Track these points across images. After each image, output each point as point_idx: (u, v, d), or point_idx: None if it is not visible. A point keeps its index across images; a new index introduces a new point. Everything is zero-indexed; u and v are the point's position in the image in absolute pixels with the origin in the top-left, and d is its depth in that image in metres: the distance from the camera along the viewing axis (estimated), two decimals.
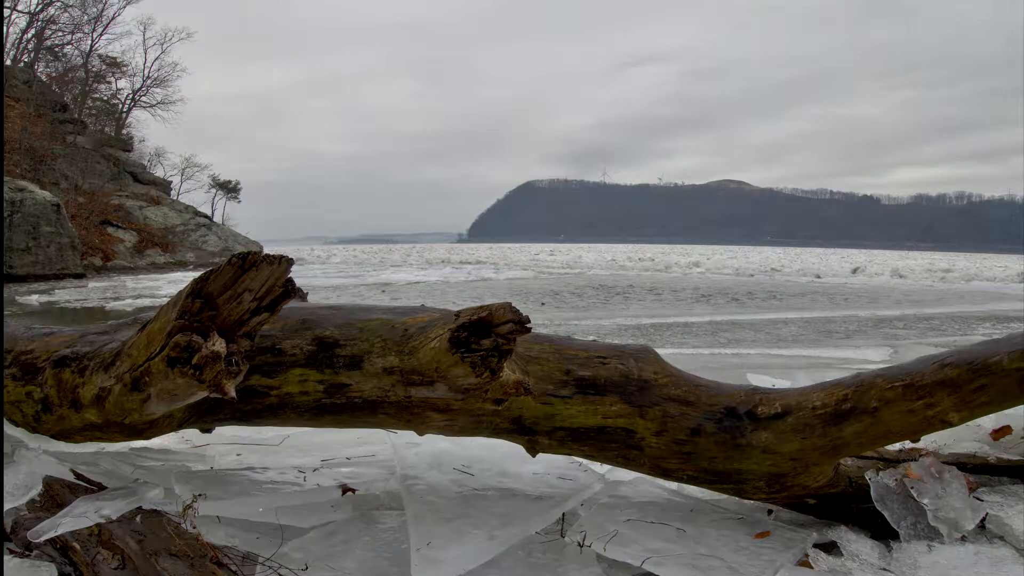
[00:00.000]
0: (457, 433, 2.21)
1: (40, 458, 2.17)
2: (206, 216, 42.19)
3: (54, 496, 2.05)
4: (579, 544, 2.06)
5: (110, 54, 42.75)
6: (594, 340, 2.41)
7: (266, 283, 1.53)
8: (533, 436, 2.16)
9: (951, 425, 1.99)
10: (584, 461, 2.52)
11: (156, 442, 2.68)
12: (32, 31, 39.07)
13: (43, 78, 39.73)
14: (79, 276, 26.57)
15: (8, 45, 37.00)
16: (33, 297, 18.07)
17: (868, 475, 2.12)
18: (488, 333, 1.72)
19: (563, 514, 2.23)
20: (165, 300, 1.69)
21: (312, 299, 2.60)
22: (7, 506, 1.95)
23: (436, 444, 2.61)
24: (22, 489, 2.02)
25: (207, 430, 2.32)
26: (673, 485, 2.42)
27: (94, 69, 42.34)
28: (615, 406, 2.11)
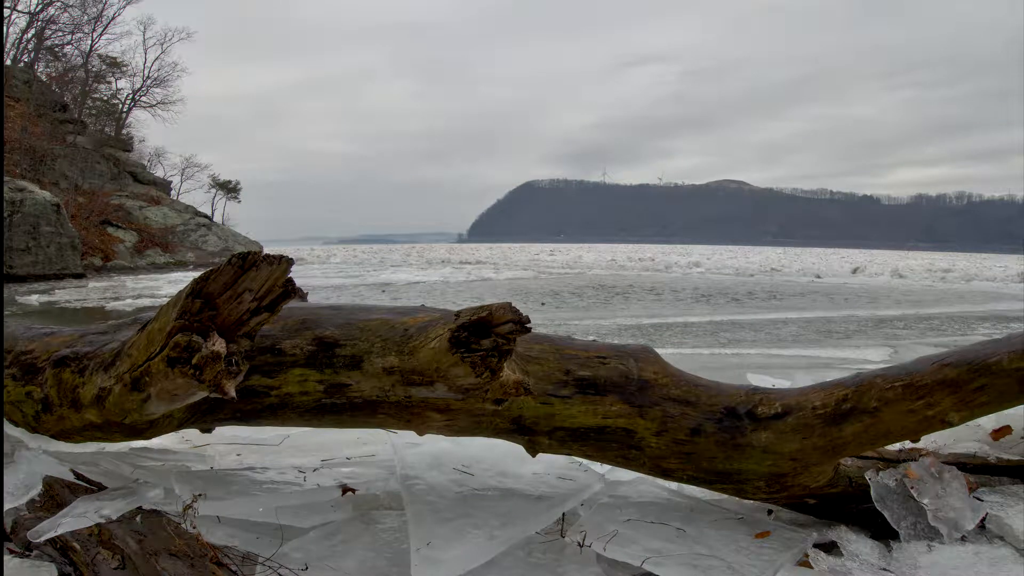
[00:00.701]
0: (457, 433, 2.21)
1: (40, 458, 2.17)
2: (206, 216, 42.20)
3: (54, 496, 2.05)
4: (579, 544, 2.06)
5: (110, 54, 42.78)
6: (594, 340, 2.41)
7: (266, 283, 1.53)
8: (533, 436, 2.16)
9: (951, 425, 1.99)
10: (584, 461, 2.52)
11: (156, 442, 2.68)
12: (32, 31, 39.09)
13: (43, 78, 39.73)
14: (79, 276, 26.56)
15: (8, 45, 37.00)
16: (33, 297, 18.07)
17: (868, 475, 2.12)
18: (488, 333, 1.72)
19: (563, 514, 2.23)
20: (165, 300, 1.69)
21: (312, 299, 2.60)
22: (7, 506, 1.95)
23: (436, 444, 2.61)
24: (22, 489, 2.02)
25: (207, 430, 2.31)
26: (673, 485, 2.42)
27: (94, 69, 42.34)
28: (615, 406, 2.11)
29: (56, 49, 40.90)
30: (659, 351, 2.25)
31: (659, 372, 2.17)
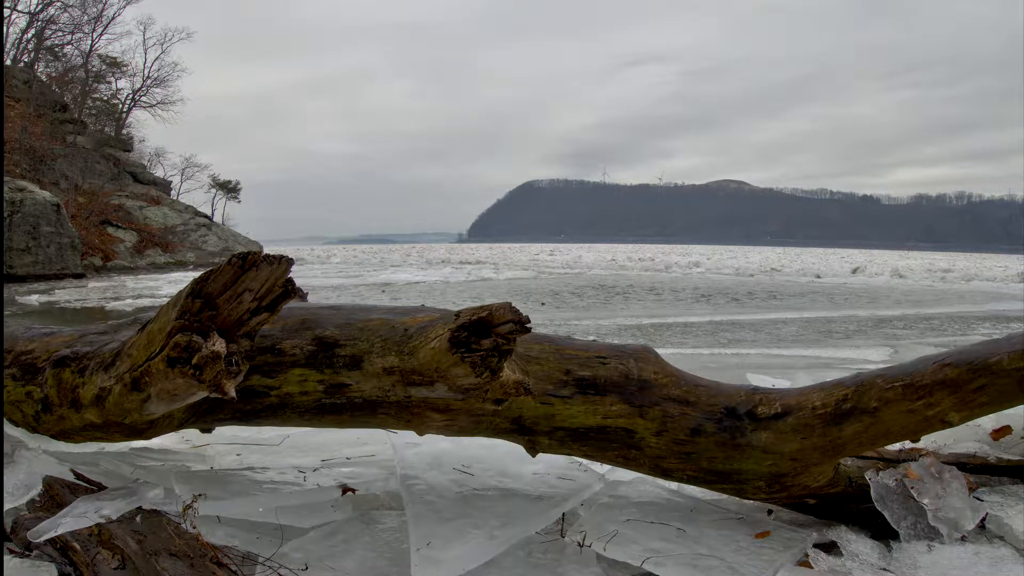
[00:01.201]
0: (457, 433, 2.21)
1: (40, 458, 2.17)
2: (206, 216, 42.18)
3: (54, 496, 2.05)
4: (579, 544, 2.06)
5: (110, 54, 42.77)
6: (594, 340, 2.41)
7: (266, 283, 1.53)
8: (533, 436, 2.16)
9: (951, 425, 1.99)
10: (584, 461, 2.52)
11: (156, 442, 2.68)
12: (32, 31, 39.08)
13: (43, 78, 39.71)
14: (79, 276, 26.57)
15: (8, 45, 37.00)
16: (33, 297, 18.06)
17: (868, 475, 2.12)
18: (488, 333, 1.72)
19: (563, 514, 2.23)
20: (165, 300, 1.69)
21: (312, 299, 2.60)
22: (7, 506, 1.95)
23: (436, 444, 2.61)
24: (22, 489, 2.03)
25: (207, 430, 2.32)
26: (673, 485, 2.42)
27: (94, 69, 42.32)
28: (615, 406, 2.11)
29: (56, 49, 40.89)
30: (659, 351, 2.25)
31: (659, 372, 2.17)
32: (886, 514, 2.05)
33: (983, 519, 2.03)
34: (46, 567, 1.75)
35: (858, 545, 2.04)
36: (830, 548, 2.05)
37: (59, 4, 39.10)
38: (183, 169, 49.28)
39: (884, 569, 1.93)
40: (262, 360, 2.02)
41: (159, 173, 46.99)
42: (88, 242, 29.50)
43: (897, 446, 2.25)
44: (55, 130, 35.66)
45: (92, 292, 20.24)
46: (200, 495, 2.10)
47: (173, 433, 2.50)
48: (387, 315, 2.02)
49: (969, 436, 2.42)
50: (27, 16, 38.00)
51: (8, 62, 37.06)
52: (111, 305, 16.15)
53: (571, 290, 20.86)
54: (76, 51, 41.61)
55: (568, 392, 2.11)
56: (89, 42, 41.16)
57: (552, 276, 29.07)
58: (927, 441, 2.34)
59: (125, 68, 43.72)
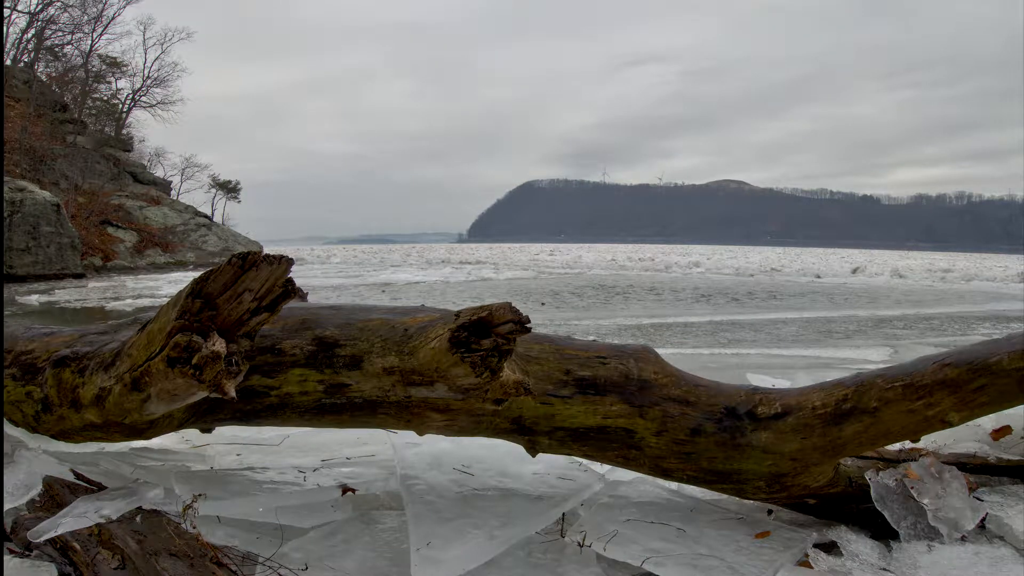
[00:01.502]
0: (457, 433, 2.21)
1: (40, 458, 2.17)
2: (206, 216, 42.18)
3: (54, 496, 2.05)
4: (579, 544, 2.06)
5: (110, 54, 42.77)
6: (594, 340, 2.41)
7: (266, 283, 1.53)
8: (533, 436, 2.16)
9: (951, 425, 1.99)
10: (584, 461, 2.52)
11: (156, 442, 2.68)
12: (32, 31, 39.09)
13: (43, 78, 39.71)
14: (79, 276, 26.57)
15: (8, 45, 37.00)
16: (33, 297, 18.06)
17: (868, 475, 2.12)
18: (488, 333, 1.72)
19: (563, 514, 2.23)
20: (165, 300, 1.69)
21: (312, 299, 2.60)
22: (7, 506, 1.95)
23: (436, 444, 2.61)
24: (22, 489, 2.03)
25: (207, 430, 2.32)
26: (673, 485, 2.42)
27: (94, 69, 42.31)
28: (615, 406, 2.11)
29: (56, 49, 40.88)
30: (659, 351, 2.25)
31: (659, 372, 2.17)
32: (886, 514, 2.05)
33: (983, 519, 2.03)
34: (46, 567, 1.75)
35: (858, 545, 2.04)
36: (830, 548, 2.05)
37: (59, 4, 39.12)
38: (183, 169, 49.35)
39: (884, 569, 1.93)
40: (262, 360, 2.02)
41: (159, 173, 47.03)
42: (88, 242, 29.50)
43: (897, 446, 2.25)
44: (55, 130, 35.66)
45: (92, 292, 20.23)
46: (200, 495, 2.10)
47: (173, 433, 2.50)
48: (387, 315, 2.02)
49: (969, 436, 2.42)
50: (27, 16, 38.02)
51: (8, 62, 37.06)
52: (111, 305, 16.15)
53: (571, 290, 20.86)
54: (76, 51, 41.65)
55: (568, 392, 2.11)
56: (89, 42, 41.19)
57: (552, 276, 29.07)
58: (927, 441, 2.34)
59: (125, 68, 43.75)
